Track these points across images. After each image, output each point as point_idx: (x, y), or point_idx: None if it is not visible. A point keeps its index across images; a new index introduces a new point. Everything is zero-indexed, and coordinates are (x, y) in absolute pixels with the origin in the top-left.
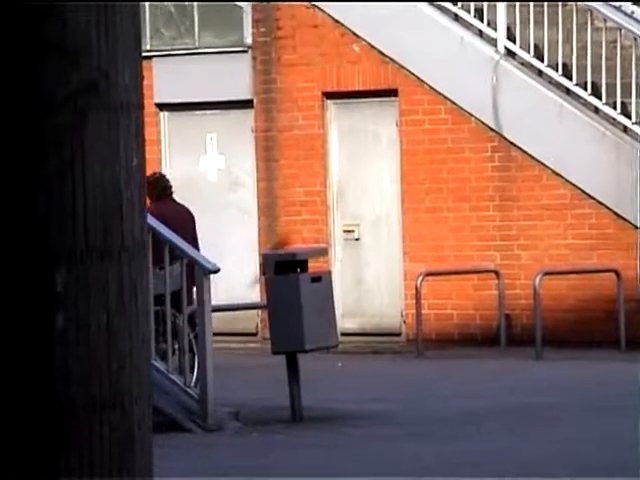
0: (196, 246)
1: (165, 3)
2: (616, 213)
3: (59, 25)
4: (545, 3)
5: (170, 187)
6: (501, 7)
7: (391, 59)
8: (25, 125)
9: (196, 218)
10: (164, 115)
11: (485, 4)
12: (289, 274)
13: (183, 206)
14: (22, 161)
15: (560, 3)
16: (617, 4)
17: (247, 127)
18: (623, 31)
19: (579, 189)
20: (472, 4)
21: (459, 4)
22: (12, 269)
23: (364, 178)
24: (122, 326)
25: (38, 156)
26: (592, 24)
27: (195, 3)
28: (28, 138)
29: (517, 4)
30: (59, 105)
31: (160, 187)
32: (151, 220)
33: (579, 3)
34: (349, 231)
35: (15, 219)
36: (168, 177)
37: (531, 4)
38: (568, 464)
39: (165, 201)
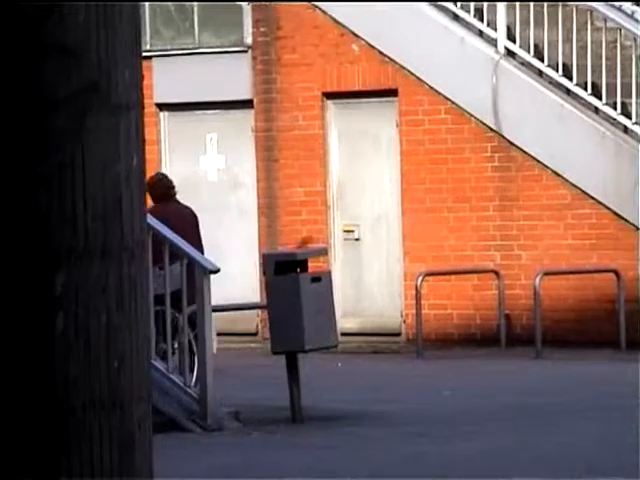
0: (200, 248)
1: (165, 3)
2: (616, 213)
3: (60, 25)
4: (545, 3)
5: (173, 188)
6: (501, 7)
7: (391, 59)
8: (26, 125)
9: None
10: (164, 115)
11: (485, 4)
12: (289, 274)
13: (187, 208)
14: (22, 161)
15: (560, 3)
16: (617, 4)
17: (247, 127)
18: (623, 31)
19: (579, 189)
20: (472, 4)
21: (459, 4)
22: (12, 269)
23: (364, 178)
24: (122, 326)
25: (38, 156)
26: (592, 24)
27: (195, 3)
28: (28, 138)
29: (517, 4)
30: (60, 105)
31: (162, 188)
32: (153, 221)
33: (579, 3)
34: (349, 231)
35: (15, 219)
36: (171, 178)
37: (531, 4)
38: (568, 464)
39: (168, 202)
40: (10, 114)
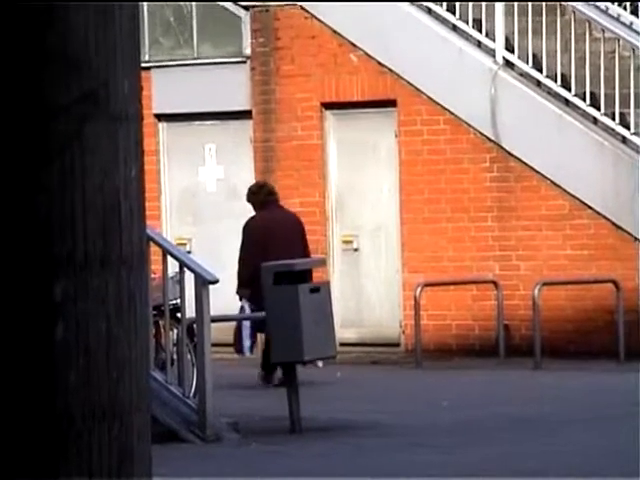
0: (306, 252)
1: (165, 10)
2: (615, 224)
3: (60, 34)
4: (543, 12)
5: (275, 194)
6: (499, 17)
7: (389, 69)
8: (26, 133)
9: (194, 228)
10: (163, 125)
11: (483, 14)
12: (288, 285)
13: (291, 213)
14: (22, 168)
15: (558, 12)
16: (615, 14)
17: (246, 137)
18: (621, 41)
19: (578, 199)
20: (470, 14)
21: (457, 14)
22: (11, 277)
23: (363, 188)
24: (121, 335)
25: (38, 164)
26: (590, 34)
27: (194, 12)
28: (29, 146)
29: (515, 14)
30: (60, 113)
31: (262, 196)
32: (252, 230)
33: (577, 13)
34: (348, 242)
35: (15, 227)
36: (272, 185)
37: (529, 14)
38: (567, 474)
39: (270, 209)
40: (10, 121)
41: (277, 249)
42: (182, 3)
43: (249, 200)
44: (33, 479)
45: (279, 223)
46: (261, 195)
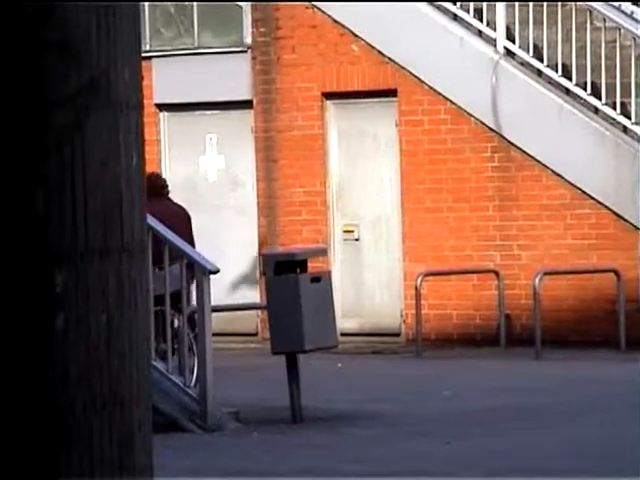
0: (192, 246)
1: (165, 3)
2: (616, 213)
3: (60, 25)
4: (544, 3)
5: (166, 187)
6: (500, 7)
7: (390, 59)
8: (25, 124)
9: (196, 218)
10: (164, 115)
11: (484, 4)
12: (289, 274)
13: (179, 206)
14: (22, 160)
15: (559, 3)
16: (616, 4)
17: (247, 127)
18: (622, 31)
19: (579, 189)
20: (471, 4)
21: (458, 4)
22: (12, 269)
23: (364, 178)
24: (122, 326)
25: (38, 155)
26: (591, 24)
27: (195, 3)
28: (28, 137)
29: (516, 4)
30: (59, 105)
31: (156, 187)
32: (152, 221)
33: (578, 3)
34: (349, 231)
35: (15, 219)
36: (165, 177)
37: (530, 4)
38: (569, 464)
39: (160, 200)
40: (9, 113)
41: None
42: None
43: None
44: (34, 470)
45: (166, 214)
46: (154, 187)
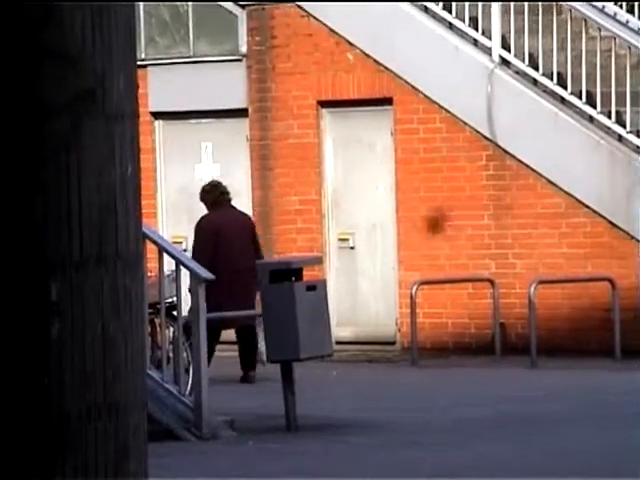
0: (259, 254)
1: (160, 9)
2: (611, 222)
3: (57, 32)
4: (540, 11)
5: (228, 194)
6: (496, 16)
7: (386, 68)
8: (22, 131)
9: (190, 227)
10: (159, 124)
11: (480, 13)
12: (284, 283)
13: (243, 213)
14: (18, 166)
15: (555, 11)
16: (612, 12)
17: (242, 136)
18: (618, 40)
19: (574, 198)
20: (467, 12)
21: (454, 12)
22: (7, 276)
23: (359, 187)
24: (117, 334)
25: (34, 162)
26: (587, 33)
27: (190, 11)
28: (25, 144)
29: (512, 12)
30: (56, 112)
31: (215, 195)
32: (204, 229)
33: (573, 11)
34: (344, 239)
35: (11, 226)
36: (225, 185)
37: (526, 12)
38: (564, 472)
39: (222, 209)
40: (6, 119)
41: (227, 249)
42: (178, 3)
43: (202, 199)
44: (30, 477)
45: (230, 223)
46: (215, 194)
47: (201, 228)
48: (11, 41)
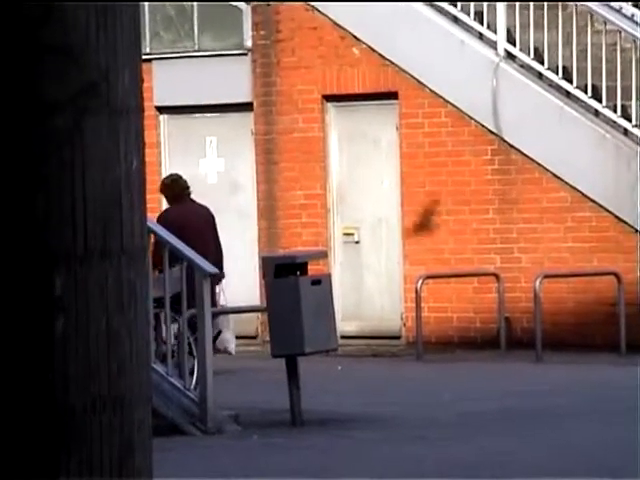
0: (219, 247)
1: (165, 4)
2: (616, 216)
3: (59, 27)
4: (545, 5)
5: (188, 188)
6: (501, 10)
7: (391, 62)
8: (25, 127)
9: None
10: (164, 118)
11: (485, 6)
12: (289, 277)
13: (203, 207)
14: (22, 162)
15: (560, 5)
16: (617, 6)
17: (247, 130)
18: (623, 34)
19: (579, 192)
20: (472, 6)
21: (459, 6)
22: (11, 271)
23: (364, 181)
24: (121, 328)
25: (38, 158)
26: (592, 27)
27: (195, 5)
28: (28, 140)
29: (517, 6)
30: (59, 107)
31: (177, 189)
32: (169, 224)
33: (579, 4)
34: (349, 234)
35: (14, 221)
36: (185, 179)
37: (531, 6)
38: (569, 466)
39: (183, 203)
40: (9, 115)
41: (192, 243)
42: (183, 3)
43: (162, 192)
44: (34, 471)
45: (193, 217)
46: (176, 188)
47: (167, 221)
48: (13, 36)
